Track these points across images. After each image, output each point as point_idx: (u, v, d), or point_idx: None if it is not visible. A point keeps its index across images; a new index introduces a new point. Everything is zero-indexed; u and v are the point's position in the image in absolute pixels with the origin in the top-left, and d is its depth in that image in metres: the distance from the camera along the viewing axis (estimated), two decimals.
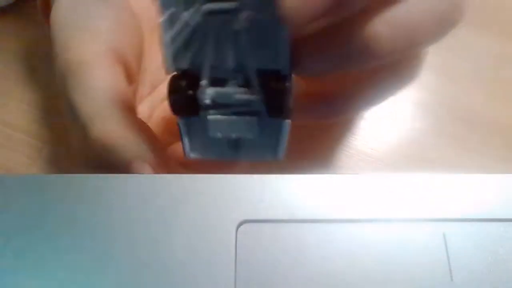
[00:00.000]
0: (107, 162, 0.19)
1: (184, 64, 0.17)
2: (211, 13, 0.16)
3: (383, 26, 0.16)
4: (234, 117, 0.17)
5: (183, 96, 0.17)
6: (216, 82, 0.17)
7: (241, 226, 0.16)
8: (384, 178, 0.17)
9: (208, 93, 0.17)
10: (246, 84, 0.17)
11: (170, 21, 0.16)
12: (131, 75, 0.22)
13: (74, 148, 0.22)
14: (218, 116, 0.17)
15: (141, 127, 0.20)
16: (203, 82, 0.17)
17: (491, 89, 0.27)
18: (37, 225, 0.16)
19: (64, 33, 0.21)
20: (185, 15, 0.16)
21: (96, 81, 0.20)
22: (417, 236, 0.16)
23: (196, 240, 0.16)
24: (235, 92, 0.17)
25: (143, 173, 0.19)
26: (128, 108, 0.20)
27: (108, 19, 0.21)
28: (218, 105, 0.17)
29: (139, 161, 0.19)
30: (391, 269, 0.15)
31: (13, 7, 0.33)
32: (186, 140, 0.19)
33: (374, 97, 0.20)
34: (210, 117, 0.17)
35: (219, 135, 0.18)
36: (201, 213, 0.16)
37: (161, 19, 0.16)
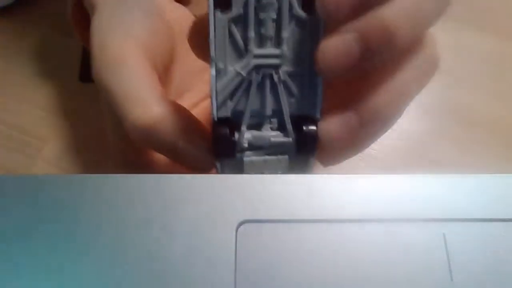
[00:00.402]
0: (151, 145, 0.20)
1: (228, 112, 0.19)
2: (257, 66, 0.18)
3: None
4: (267, 157, 0.19)
5: (227, 141, 0.19)
6: (252, 127, 0.19)
7: (241, 226, 0.16)
8: (384, 178, 0.17)
9: (246, 137, 0.19)
10: (279, 128, 0.19)
11: (220, 73, 0.18)
12: (160, 80, 0.22)
13: (112, 145, 0.22)
14: (253, 158, 0.19)
15: (181, 109, 0.20)
16: (243, 128, 0.19)
17: (491, 89, 0.27)
18: (37, 225, 0.16)
19: (101, 35, 0.22)
20: (236, 67, 0.18)
21: (132, 72, 0.20)
22: (417, 236, 0.16)
23: (196, 240, 0.16)
24: (270, 135, 0.19)
25: (188, 153, 0.19)
26: (165, 94, 0.21)
27: (142, 25, 0.23)
28: (253, 147, 0.19)
29: (185, 139, 0.19)
30: (391, 269, 0.15)
31: (13, 7, 0.33)
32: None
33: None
34: (246, 158, 0.19)
35: (253, 174, 0.19)
36: (201, 213, 0.16)
37: (212, 70, 0.18)
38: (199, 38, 0.19)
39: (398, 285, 0.15)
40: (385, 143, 0.25)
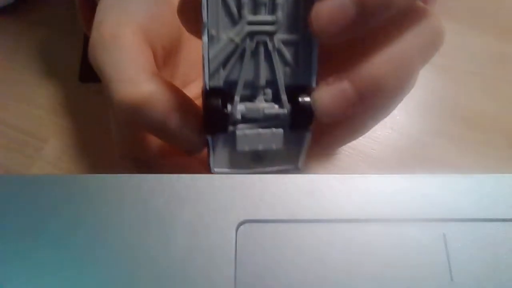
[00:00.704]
0: (140, 123, 0.19)
1: (220, 81, 0.18)
2: (251, 33, 0.17)
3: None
4: (261, 130, 0.18)
5: (219, 113, 0.18)
6: (246, 98, 0.18)
7: (241, 226, 0.16)
8: (384, 178, 0.17)
9: (240, 109, 0.18)
10: (274, 99, 0.18)
11: (212, 40, 0.17)
12: (157, 63, 0.22)
13: (110, 118, 0.22)
14: (247, 131, 0.18)
15: (173, 88, 0.20)
16: (236, 98, 0.18)
17: (491, 89, 0.27)
18: (37, 225, 0.16)
19: (103, 12, 0.22)
20: (229, 34, 0.17)
21: (126, 52, 0.20)
22: (417, 236, 0.16)
23: (196, 240, 0.16)
24: (264, 107, 0.18)
25: (179, 132, 0.19)
26: (157, 73, 0.20)
27: (146, 8, 0.22)
28: (246, 120, 0.18)
29: (176, 118, 0.19)
30: (391, 269, 0.15)
31: (13, 7, 0.33)
32: (212, 155, 0.19)
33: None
34: (239, 132, 0.18)
35: (246, 148, 0.18)
36: (201, 213, 0.16)
37: (204, 37, 0.17)
38: (190, 10, 0.18)
39: (398, 285, 0.15)
40: (385, 143, 0.25)
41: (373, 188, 0.17)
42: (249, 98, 0.18)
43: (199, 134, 0.19)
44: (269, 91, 0.18)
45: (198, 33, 0.18)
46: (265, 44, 0.18)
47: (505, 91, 0.28)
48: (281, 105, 0.18)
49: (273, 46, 0.18)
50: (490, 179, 0.17)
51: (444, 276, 0.15)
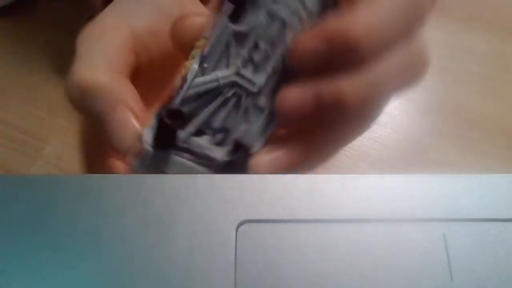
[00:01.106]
0: (91, 105, 0.20)
1: (186, 108, 0.19)
2: (235, 83, 0.19)
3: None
4: (193, 164, 0.20)
5: (172, 132, 0.19)
6: (196, 132, 0.20)
7: (241, 226, 0.16)
8: (384, 178, 0.17)
9: (187, 138, 0.19)
10: (218, 144, 0.20)
11: (202, 70, 0.19)
12: (140, 70, 0.23)
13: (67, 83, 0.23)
14: (180, 159, 0.19)
15: (128, 90, 0.21)
16: (190, 127, 0.19)
17: (491, 90, 0.27)
18: (37, 225, 0.16)
19: (109, 7, 0.23)
20: (218, 74, 0.19)
21: (104, 45, 0.21)
22: (417, 236, 0.16)
23: (196, 240, 0.16)
24: (206, 147, 0.20)
25: (113, 129, 0.20)
26: (120, 73, 0.21)
27: (145, 18, 0.23)
28: (186, 150, 0.19)
29: (123, 107, 0.20)
30: (391, 269, 0.15)
31: (13, 7, 0.33)
32: (139, 160, 0.20)
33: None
34: (174, 156, 0.19)
35: (173, 173, 0.20)
36: (201, 213, 0.16)
37: (195, 65, 0.19)
38: (184, 34, 0.20)
39: (398, 285, 0.15)
40: (385, 143, 0.25)
41: (373, 188, 0.17)
42: (199, 133, 0.20)
43: (132, 139, 0.20)
44: (219, 137, 0.20)
45: (185, 54, 0.19)
46: (239, 98, 0.19)
47: (505, 91, 0.28)
48: (221, 154, 0.20)
49: (246, 103, 0.19)
50: (490, 179, 0.17)
51: (444, 276, 0.15)
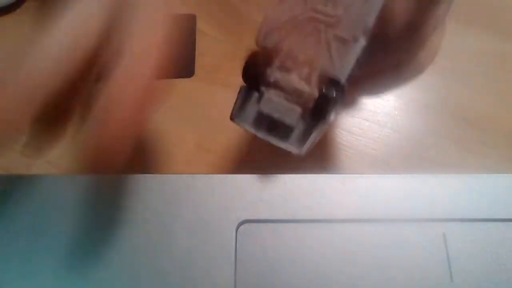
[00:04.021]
0: None
1: (270, 43, 0.20)
2: (311, 18, 0.19)
3: None
4: (284, 101, 0.20)
5: (259, 69, 0.20)
6: (283, 68, 0.20)
7: (241, 226, 0.16)
8: (384, 178, 0.17)
9: (275, 74, 0.20)
10: (306, 79, 0.20)
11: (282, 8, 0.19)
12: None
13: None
14: (273, 96, 0.20)
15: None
16: (276, 63, 0.20)
17: (491, 89, 0.27)
18: (37, 224, 0.16)
19: None
20: (294, 11, 0.19)
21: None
22: (417, 236, 0.16)
23: (196, 240, 0.16)
24: (295, 81, 0.20)
25: None
26: None
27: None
28: (277, 87, 0.20)
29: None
30: (391, 269, 0.15)
31: (13, 7, 0.33)
32: (238, 105, 0.20)
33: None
34: (266, 93, 0.20)
35: (266, 110, 0.20)
36: (201, 213, 0.16)
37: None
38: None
39: (398, 284, 0.15)
40: (385, 143, 0.25)
41: (373, 188, 0.17)
42: (287, 69, 0.20)
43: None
44: (305, 71, 0.20)
45: None
46: (318, 32, 0.19)
47: (505, 91, 0.28)
48: (310, 87, 0.20)
49: (326, 36, 0.19)
50: (490, 179, 0.17)
51: (444, 276, 0.15)
